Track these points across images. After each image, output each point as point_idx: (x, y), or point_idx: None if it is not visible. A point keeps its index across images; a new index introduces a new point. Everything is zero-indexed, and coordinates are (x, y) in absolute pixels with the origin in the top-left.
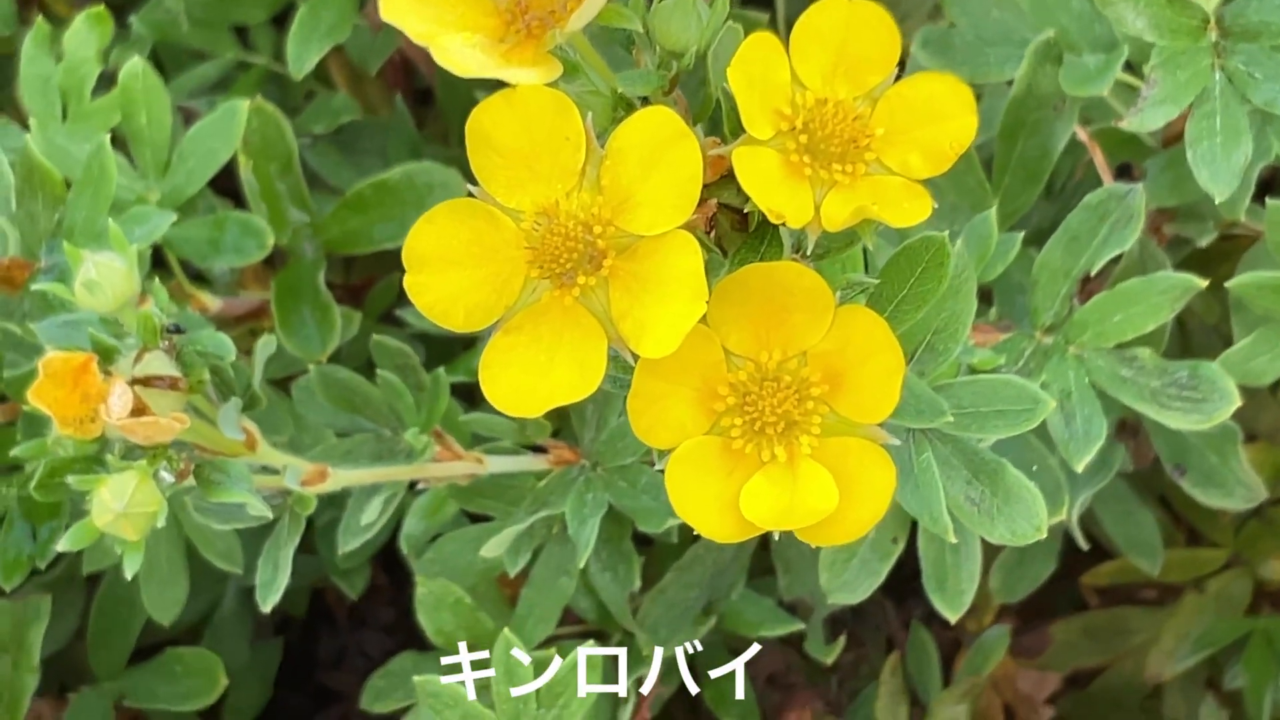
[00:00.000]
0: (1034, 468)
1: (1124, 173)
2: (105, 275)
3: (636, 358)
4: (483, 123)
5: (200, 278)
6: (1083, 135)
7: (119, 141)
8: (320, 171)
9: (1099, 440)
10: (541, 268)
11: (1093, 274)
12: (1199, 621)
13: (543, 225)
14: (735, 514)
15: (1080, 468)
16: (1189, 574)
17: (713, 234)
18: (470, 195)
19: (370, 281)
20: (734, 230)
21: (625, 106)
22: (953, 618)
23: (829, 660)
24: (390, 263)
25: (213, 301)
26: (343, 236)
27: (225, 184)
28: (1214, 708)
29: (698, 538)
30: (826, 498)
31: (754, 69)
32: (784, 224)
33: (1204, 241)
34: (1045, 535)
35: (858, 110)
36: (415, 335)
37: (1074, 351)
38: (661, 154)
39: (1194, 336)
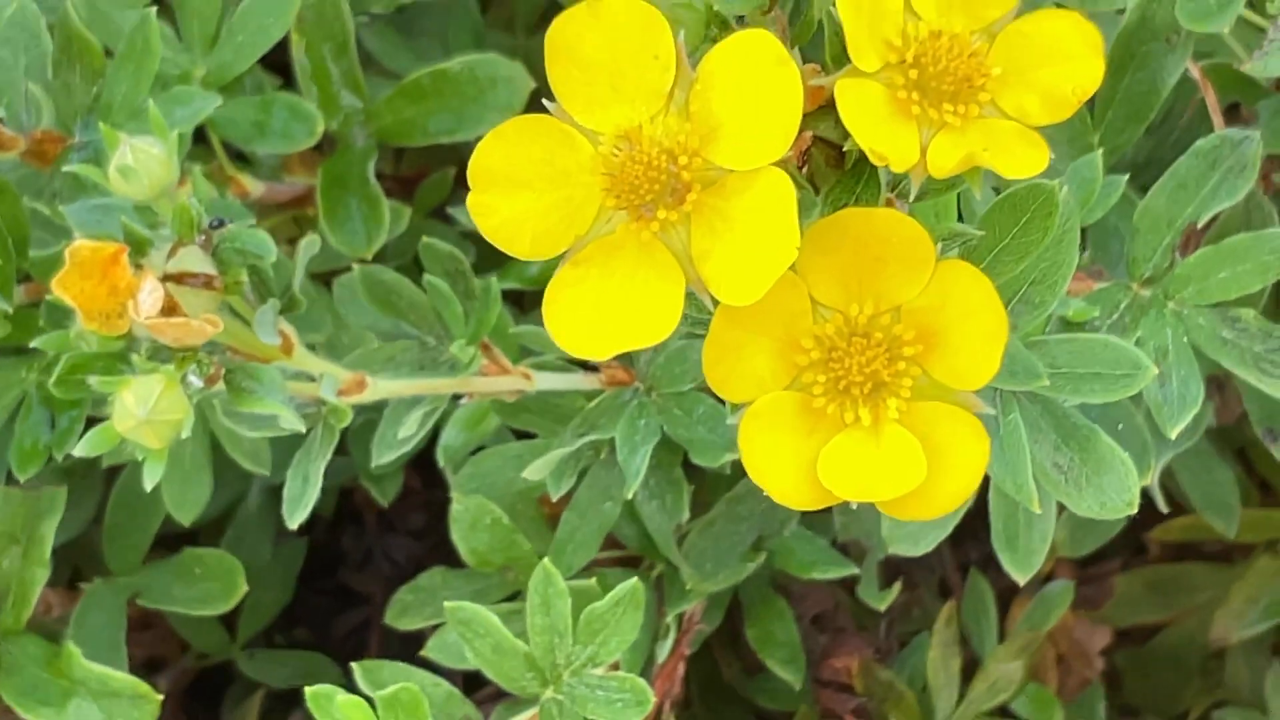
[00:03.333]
0: (1119, 426)
1: (1232, 113)
2: (142, 161)
3: (716, 302)
4: (565, 33)
5: (243, 159)
6: (1195, 72)
7: (166, 11)
8: (377, 54)
9: (1195, 406)
10: (619, 197)
11: (1200, 225)
12: (1270, 585)
13: (623, 151)
14: (811, 478)
15: (1175, 434)
16: (1262, 534)
17: (805, 169)
18: (545, 111)
19: (422, 174)
20: (829, 167)
21: (720, 25)
22: (1022, 579)
23: (882, 607)
24: (444, 156)
25: (255, 186)
26: (396, 126)
27: (277, 61)
28: None
29: None
30: (913, 468)
31: None
32: (886, 166)
33: None
34: (1136, 510)
35: (974, 46)
36: (466, 234)
37: (1173, 308)
38: (758, 81)
39: None
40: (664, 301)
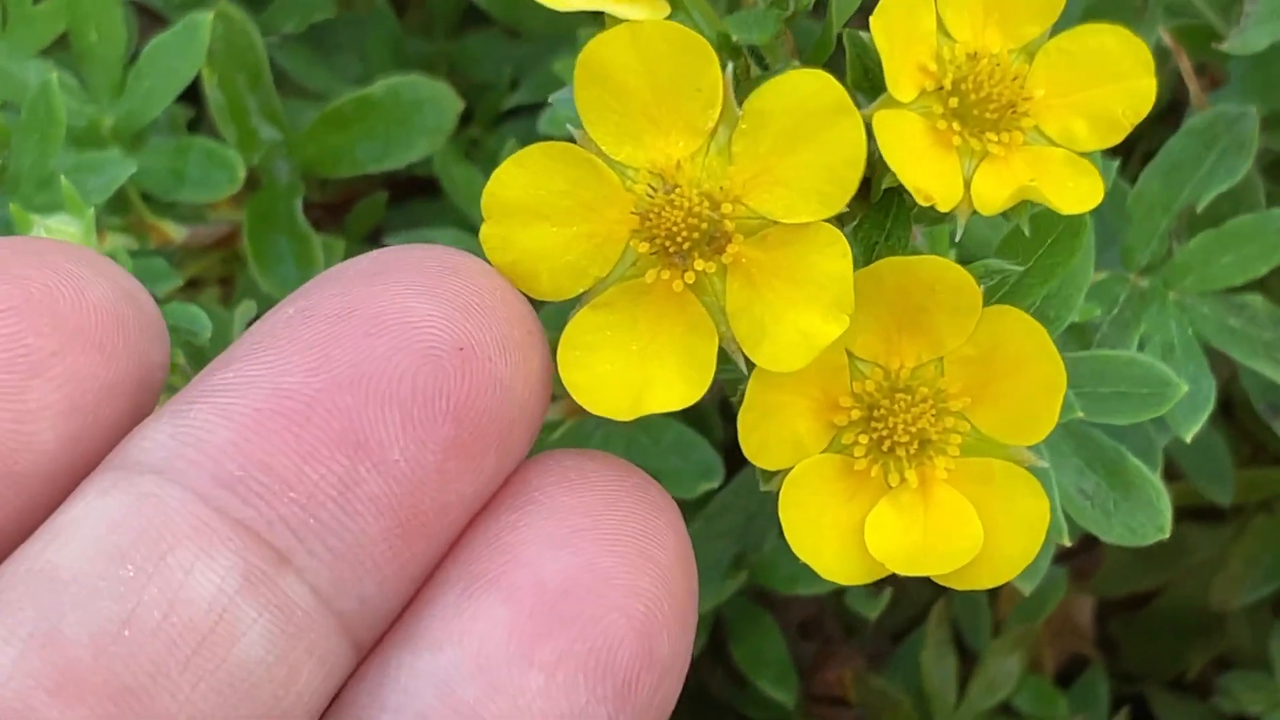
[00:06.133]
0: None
1: (1200, 73)
2: None
3: (750, 365)
4: (600, 57)
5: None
6: (1168, 39)
7: (66, 52)
8: (293, 74)
9: (1208, 406)
10: (652, 242)
11: (1198, 209)
12: (1270, 547)
13: (658, 191)
14: (857, 549)
15: (1190, 437)
16: (1257, 494)
17: None
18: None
19: (352, 198)
20: (856, 199)
21: (732, 54)
22: (1027, 590)
23: (872, 615)
24: (373, 177)
25: (178, 232)
26: (321, 156)
27: (191, 91)
28: None
29: (725, 484)
30: (969, 534)
31: (896, 15)
32: (931, 205)
33: None
34: (1168, 535)
35: (1015, 68)
36: None
37: (1174, 298)
38: (815, 128)
39: None
40: (695, 359)
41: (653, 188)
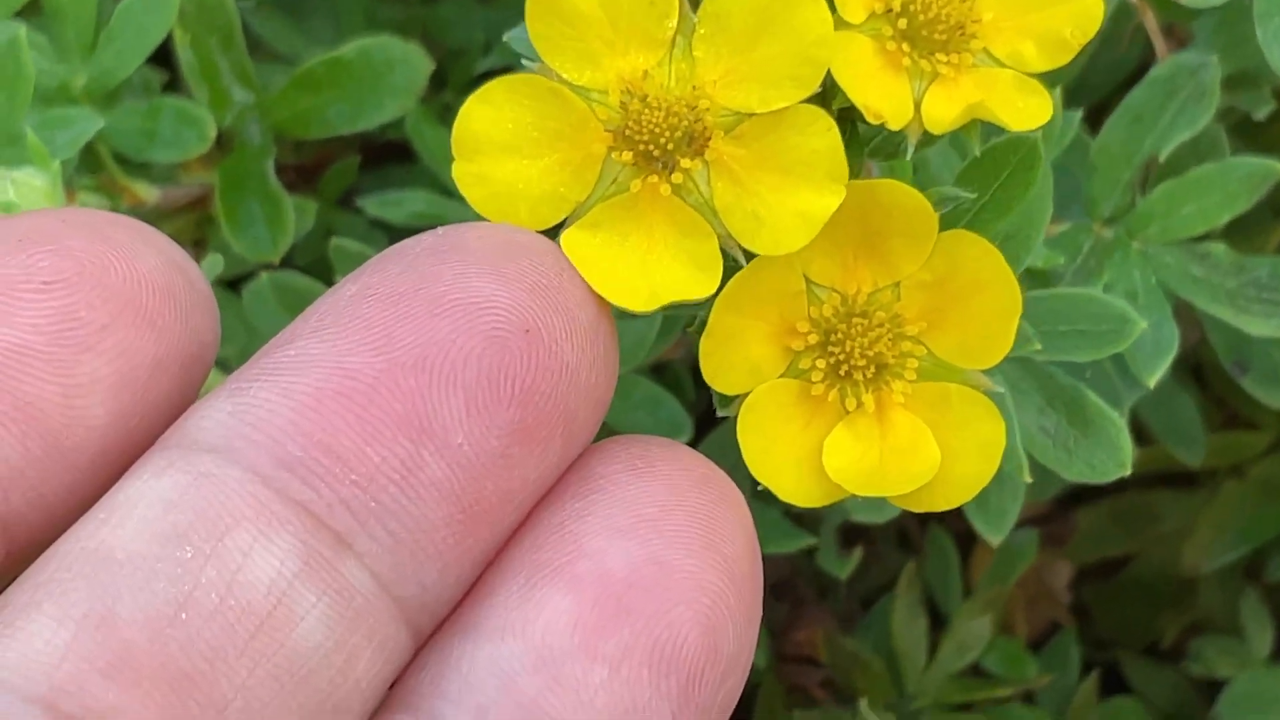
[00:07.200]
0: (1086, 374)
1: (1167, 35)
2: (25, 195)
3: (748, 256)
4: None
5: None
6: None
7: (37, 12)
8: (267, 39)
9: (1171, 351)
10: (635, 149)
11: (1161, 159)
12: (1240, 511)
13: (629, 99)
14: (816, 473)
15: (1153, 383)
16: (1227, 459)
17: None
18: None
19: (325, 160)
20: None
21: None
22: (995, 541)
23: (844, 575)
24: (347, 140)
25: (150, 193)
26: (293, 118)
27: (164, 54)
28: (1256, 604)
29: (696, 445)
30: (926, 456)
31: None
32: (882, 124)
33: (1261, 114)
34: (1129, 472)
35: None
36: (375, 223)
37: (1138, 247)
38: (775, 17)
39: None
40: (698, 258)
41: (624, 102)
